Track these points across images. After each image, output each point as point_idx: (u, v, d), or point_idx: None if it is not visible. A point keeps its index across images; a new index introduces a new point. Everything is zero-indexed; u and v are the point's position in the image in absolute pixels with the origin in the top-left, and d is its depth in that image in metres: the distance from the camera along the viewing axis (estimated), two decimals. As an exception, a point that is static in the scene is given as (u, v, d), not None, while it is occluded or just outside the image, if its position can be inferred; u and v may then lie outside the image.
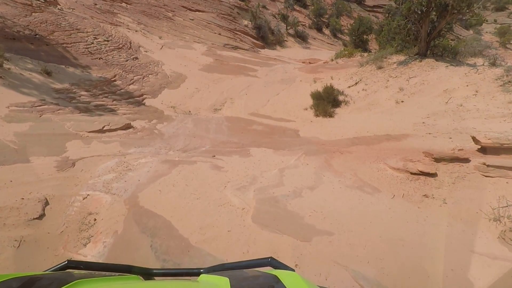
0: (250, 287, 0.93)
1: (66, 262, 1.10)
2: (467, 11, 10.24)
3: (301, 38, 28.58)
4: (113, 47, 12.16)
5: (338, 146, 6.09)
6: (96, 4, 16.48)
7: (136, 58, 12.64)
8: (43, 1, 12.44)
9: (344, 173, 4.76)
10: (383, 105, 8.88)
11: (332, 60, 17.98)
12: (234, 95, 11.29)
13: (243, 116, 9.33)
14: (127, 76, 10.50)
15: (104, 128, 6.20)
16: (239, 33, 22.87)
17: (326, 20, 37.19)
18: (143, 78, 10.99)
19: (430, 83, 9.40)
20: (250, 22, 25.41)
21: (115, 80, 9.70)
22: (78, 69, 9.38)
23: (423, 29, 10.80)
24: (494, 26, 51.54)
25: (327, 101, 8.81)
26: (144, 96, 9.65)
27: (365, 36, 36.07)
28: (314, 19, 35.24)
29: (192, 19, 20.86)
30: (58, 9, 12.64)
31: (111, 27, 14.51)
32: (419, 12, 10.37)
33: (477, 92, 8.33)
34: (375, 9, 45.02)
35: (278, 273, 0.96)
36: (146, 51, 14.08)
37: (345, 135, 6.90)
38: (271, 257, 1.15)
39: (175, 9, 21.03)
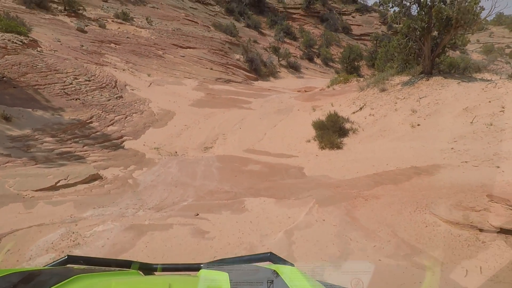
0: (249, 282, 0.92)
1: (66, 257, 1.04)
2: (472, 24, 9.26)
3: (294, 68, 28.00)
4: (94, 87, 11.03)
5: (358, 187, 4.64)
6: (82, 46, 15.67)
7: (120, 97, 11.49)
8: (21, 43, 11.48)
9: (377, 232, 3.29)
10: (397, 130, 7.55)
11: (328, 87, 16.97)
12: (226, 130, 9.99)
13: (237, 153, 7.94)
14: (107, 116, 9.24)
15: (59, 184, 4.76)
16: (231, 67, 22.14)
17: (316, 50, 37.13)
18: (126, 117, 9.73)
19: (445, 102, 8.15)
20: (242, 56, 24.84)
21: (91, 122, 8.41)
22: (49, 112, 8.11)
23: (425, 47, 9.75)
24: (476, 46, 52.09)
25: (332, 131, 7.47)
26: (125, 137, 8.32)
27: (356, 63, 35.86)
28: (305, 50, 35.10)
29: (183, 56, 20.13)
30: (37, 51, 11.66)
31: (96, 67, 13.53)
32: (420, 29, 9.38)
33: (503, 108, 7.04)
34: (362, 37, 45.39)
35: (277, 267, 0.95)
36: (132, 89, 12.99)
37: (361, 171, 5.48)
38: (270, 252, 1.12)
39: (165, 47, 20.38)
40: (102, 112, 9.36)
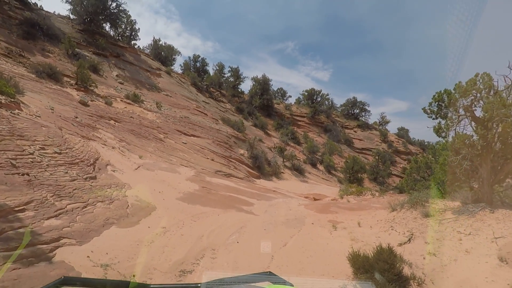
0: None
1: (62, 278, 1.00)
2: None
3: (298, 171, 26.08)
4: (62, 162, 8.45)
5: None
6: (76, 117, 13.81)
7: (93, 178, 8.80)
8: (-4, 103, 9.45)
9: None
10: (489, 292, 4.57)
11: (341, 197, 14.40)
12: (218, 242, 6.94)
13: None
14: (56, 203, 6.35)
15: None
16: (234, 161, 20.10)
17: (319, 157, 36.09)
18: (84, 207, 6.83)
19: (541, 251, 5.36)
20: (246, 152, 23.17)
21: (22, 210, 5.49)
22: (-37, 188, 5.29)
23: (483, 169, 7.50)
24: None
25: (387, 279, 4.47)
26: (63, 241, 5.28)
27: (360, 175, 34.33)
28: (308, 155, 33.97)
29: (185, 143, 18.27)
30: (11, 112, 9.54)
31: (79, 140, 11.26)
32: (479, 148, 7.29)
33: None
34: (363, 151, 45.27)
35: (277, 287, 0.93)
36: (114, 171, 10.39)
37: None
38: (269, 272, 1.08)
39: (168, 131, 18.72)
40: (51, 197, 6.51)
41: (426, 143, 56.53)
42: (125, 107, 19.21)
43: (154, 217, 7.74)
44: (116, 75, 24.51)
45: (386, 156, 41.32)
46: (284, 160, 26.15)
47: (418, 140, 54.36)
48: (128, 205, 8.05)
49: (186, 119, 22.10)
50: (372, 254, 4.97)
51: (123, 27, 28.77)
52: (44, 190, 6.59)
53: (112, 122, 16.10)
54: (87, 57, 23.14)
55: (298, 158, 30.27)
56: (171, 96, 26.37)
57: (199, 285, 1.02)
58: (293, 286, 0.95)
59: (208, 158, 17.67)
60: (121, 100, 20.00)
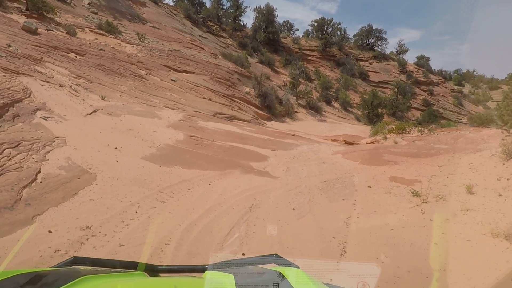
0: (255, 284, 0.87)
1: (72, 258, 0.96)
2: None
3: (314, 109, 21.66)
4: None
5: None
6: (9, 46, 9.34)
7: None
8: None
9: None
10: None
11: (385, 138, 10.25)
12: (203, 253, 3.06)
13: None
14: None
15: None
16: (238, 101, 15.74)
17: (333, 94, 31.18)
18: None
19: None
20: (253, 90, 18.61)
21: None
22: None
23: None
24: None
25: None
26: None
27: (379, 110, 29.79)
28: (322, 92, 29.08)
29: (174, 80, 13.79)
30: None
31: (3, 75, 7.03)
32: None
33: None
34: (380, 85, 39.78)
35: (283, 269, 0.90)
36: (46, 118, 6.28)
37: None
38: (275, 254, 1.03)
39: (153, 67, 14.13)
40: None
41: (444, 72, 50.31)
42: (96, 39, 14.41)
43: (77, 203, 3.79)
44: (88, 3, 19.06)
45: (406, 88, 36.01)
46: (298, 97, 21.59)
47: (435, 70, 48.03)
48: (36, 179, 4.09)
49: (177, 53, 17.22)
50: None
51: None
52: None
53: (72, 55, 11.55)
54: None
55: (312, 95, 25.62)
56: (159, 28, 21.02)
57: (206, 266, 0.97)
58: (298, 267, 0.90)
59: (204, 98, 13.34)
60: (91, 31, 15.08)
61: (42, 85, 7.97)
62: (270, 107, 17.64)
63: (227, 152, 6.99)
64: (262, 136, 9.41)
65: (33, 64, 9.13)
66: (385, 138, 9.99)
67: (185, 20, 28.63)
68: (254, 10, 37.78)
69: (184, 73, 15.23)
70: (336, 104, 29.62)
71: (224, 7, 37.34)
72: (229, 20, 36.55)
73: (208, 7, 36.27)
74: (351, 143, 10.84)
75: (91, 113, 7.49)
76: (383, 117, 30.73)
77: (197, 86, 14.22)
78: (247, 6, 38.55)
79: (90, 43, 13.43)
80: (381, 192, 4.98)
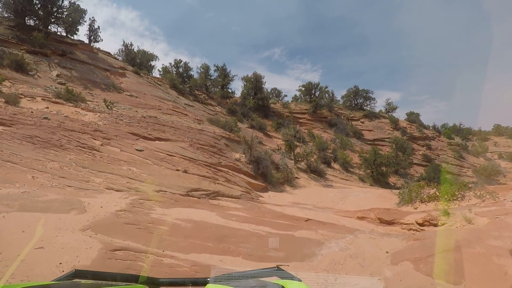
0: None
1: (74, 271, 0.93)
2: None
3: (316, 173, 18.13)
4: None
5: None
6: None
7: None
8: None
9: None
10: None
11: (446, 214, 6.49)
12: None
13: None
14: None
15: None
16: (226, 170, 12.18)
17: (331, 154, 28.14)
18: None
19: None
20: (243, 155, 15.27)
21: None
22: None
23: None
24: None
25: None
26: None
27: (383, 168, 26.54)
28: (320, 154, 26.02)
29: (141, 150, 10.39)
30: None
31: None
32: None
33: None
34: (376, 143, 37.33)
35: (285, 283, 0.86)
36: None
37: None
38: (277, 267, 1.00)
39: (115, 136, 10.86)
40: None
41: (437, 127, 48.97)
42: (47, 107, 11.40)
43: None
44: (57, 75, 16.78)
45: (404, 144, 33.47)
46: (296, 161, 18.27)
47: (428, 125, 46.74)
48: None
49: (152, 119, 14.28)
50: None
51: (65, 15, 21.04)
52: None
53: (-6, 126, 8.23)
54: (14, 54, 15.48)
55: (312, 157, 22.39)
56: (136, 97, 18.60)
57: (207, 279, 0.96)
58: (301, 281, 0.88)
59: (178, 170, 9.75)
60: (45, 100, 12.19)
61: None
62: (266, 175, 14.07)
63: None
64: (257, 227, 5.55)
65: None
66: (447, 214, 6.23)
67: (170, 89, 26.89)
68: (242, 79, 37.22)
69: (156, 141, 11.94)
70: (336, 166, 26.34)
71: (212, 77, 36.71)
72: (217, 89, 35.48)
73: (195, 78, 35.42)
74: (390, 223, 7.00)
75: None
76: (389, 176, 27.31)
77: (171, 155, 10.77)
78: (234, 75, 37.57)
79: (32, 112, 10.32)
80: None
